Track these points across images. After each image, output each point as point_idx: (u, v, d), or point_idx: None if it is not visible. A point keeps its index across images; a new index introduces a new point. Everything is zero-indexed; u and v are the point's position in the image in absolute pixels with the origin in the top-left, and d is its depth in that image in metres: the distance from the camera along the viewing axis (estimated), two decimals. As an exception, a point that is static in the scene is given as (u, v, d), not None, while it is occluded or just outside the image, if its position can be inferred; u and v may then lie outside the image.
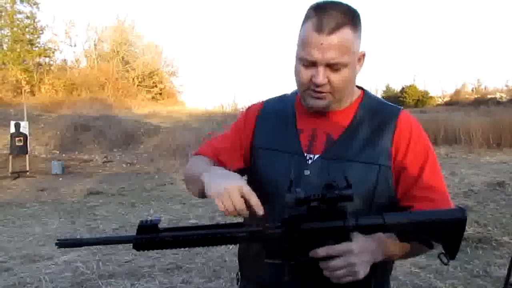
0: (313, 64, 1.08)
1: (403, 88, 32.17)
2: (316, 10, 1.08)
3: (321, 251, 0.97)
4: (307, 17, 1.10)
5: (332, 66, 1.07)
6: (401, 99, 30.11)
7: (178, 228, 0.97)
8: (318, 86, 1.10)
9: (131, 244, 0.96)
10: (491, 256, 4.12)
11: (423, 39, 59.80)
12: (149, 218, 0.97)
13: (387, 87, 34.17)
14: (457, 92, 31.35)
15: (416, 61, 56.50)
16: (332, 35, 1.04)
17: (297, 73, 1.14)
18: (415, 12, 61.73)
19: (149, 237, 0.94)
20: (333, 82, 1.09)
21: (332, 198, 0.92)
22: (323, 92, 1.11)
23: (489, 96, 27.41)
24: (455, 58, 57.55)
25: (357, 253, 0.97)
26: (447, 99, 31.51)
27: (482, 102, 24.34)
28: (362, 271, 0.98)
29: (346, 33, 1.05)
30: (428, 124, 14.76)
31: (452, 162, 10.69)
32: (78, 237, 0.99)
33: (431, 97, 32.06)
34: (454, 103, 28.00)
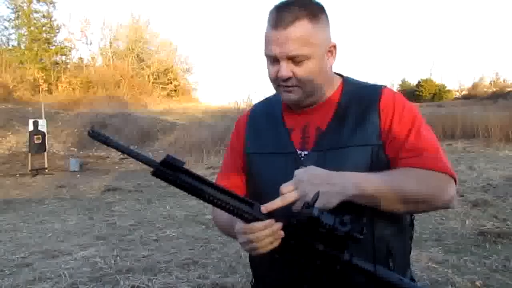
0: (276, 59, 1.11)
1: (419, 82, 31.79)
2: (275, 9, 1.12)
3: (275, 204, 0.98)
4: (268, 18, 1.13)
5: (294, 59, 1.09)
6: (417, 93, 29.78)
7: (200, 178, 0.95)
8: (284, 80, 1.12)
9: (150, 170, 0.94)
10: (510, 251, 4.06)
11: (439, 31, 58.97)
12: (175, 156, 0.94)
13: (403, 81, 33.83)
14: (475, 86, 30.82)
15: (433, 54, 55.80)
16: (287, 29, 1.07)
17: (268, 72, 1.17)
18: (431, 4, 60.91)
19: (169, 173, 0.93)
20: (297, 75, 1.11)
21: (340, 236, 0.92)
22: (290, 86, 1.13)
23: (508, 89, 26.88)
24: (472, 50, 56.65)
25: (306, 180, 0.98)
26: (464, 92, 31.02)
27: (501, 96, 23.88)
28: (318, 201, 0.95)
29: (302, 25, 1.08)
30: (445, 119, 14.57)
31: (470, 157, 10.54)
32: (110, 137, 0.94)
33: (448, 90, 31.64)
34: (472, 96, 27.53)
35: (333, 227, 0.92)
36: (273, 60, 1.12)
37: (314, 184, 0.97)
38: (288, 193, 0.98)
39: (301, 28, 1.07)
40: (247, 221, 0.97)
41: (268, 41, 1.11)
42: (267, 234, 0.95)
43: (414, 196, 1.04)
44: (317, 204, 0.93)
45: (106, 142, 0.92)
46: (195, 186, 0.95)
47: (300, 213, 0.94)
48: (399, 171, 1.07)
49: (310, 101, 1.18)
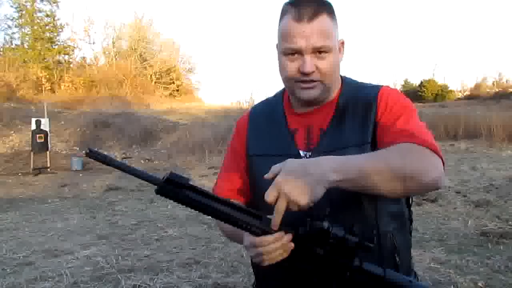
0: (298, 53, 1.10)
1: (421, 82, 31.69)
2: (291, 4, 1.12)
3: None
4: (284, 12, 1.14)
5: (318, 52, 1.10)
6: (420, 93, 29.68)
7: (205, 193, 0.94)
8: (307, 75, 1.11)
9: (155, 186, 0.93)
10: (513, 251, 4.05)
11: (442, 32, 58.81)
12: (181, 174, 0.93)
13: (406, 82, 33.71)
14: (477, 86, 30.69)
15: (435, 54, 55.59)
16: (312, 22, 1.08)
17: (283, 68, 1.15)
18: (434, 4, 60.79)
19: (174, 190, 0.91)
20: (321, 69, 1.11)
21: (351, 246, 0.93)
22: (313, 81, 1.12)
23: (510, 90, 26.79)
24: (475, 51, 56.42)
25: (283, 180, 0.92)
26: (467, 93, 30.90)
27: (504, 96, 23.80)
28: (302, 196, 0.91)
29: (324, 19, 1.11)
30: (448, 119, 14.56)
31: (472, 157, 10.52)
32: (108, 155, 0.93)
33: (450, 91, 31.51)
34: (474, 97, 27.43)
35: (344, 238, 0.92)
36: (295, 54, 1.11)
37: (291, 181, 0.92)
38: (276, 206, 0.93)
39: (323, 22, 1.10)
40: (256, 234, 0.96)
41: (290, 35, 1.10)
42: (277, 247, 0.94)
43: (400, 171, 0.96)
44: (303, 201, 0.91)
45: (105, 161, 0.91)
46: (201, 202, 0.94)
47: (310, 225, 0.94)
48: (382, 149, 1.04)
49: (322, 99, 1.18)
